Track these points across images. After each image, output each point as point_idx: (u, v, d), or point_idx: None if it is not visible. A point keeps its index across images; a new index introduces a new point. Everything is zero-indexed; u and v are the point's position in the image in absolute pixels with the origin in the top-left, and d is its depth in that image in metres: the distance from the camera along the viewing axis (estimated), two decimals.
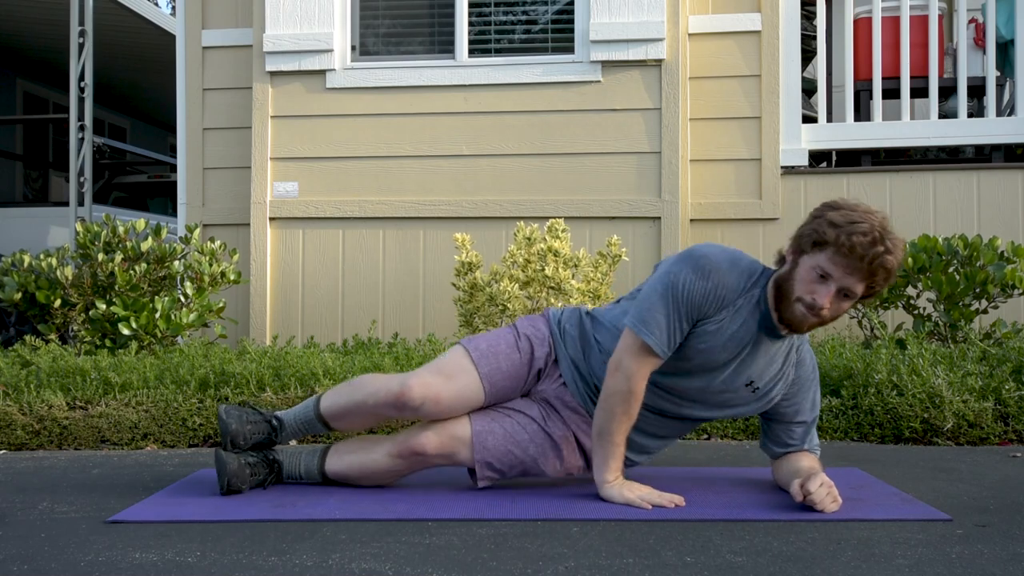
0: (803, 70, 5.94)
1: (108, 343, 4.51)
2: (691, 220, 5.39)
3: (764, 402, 2.59)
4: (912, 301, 4.43)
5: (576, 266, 4.26)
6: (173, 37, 7.17)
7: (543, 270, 4.16)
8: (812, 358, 2.66)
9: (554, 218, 4.44)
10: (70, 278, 4.58)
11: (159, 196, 9.67)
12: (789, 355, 2.57)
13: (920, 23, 5.59)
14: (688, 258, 2.47)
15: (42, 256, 4.75)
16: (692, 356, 2.49)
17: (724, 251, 2.50)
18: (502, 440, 2.60)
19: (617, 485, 2.51)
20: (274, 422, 2.70)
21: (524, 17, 5.61)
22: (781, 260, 2.47)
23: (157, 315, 4.50)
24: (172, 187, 8.48)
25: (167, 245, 4.72)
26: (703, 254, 2.46)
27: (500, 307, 4.12)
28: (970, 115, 5.54)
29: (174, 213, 6.39)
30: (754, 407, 2.60)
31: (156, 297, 4.56)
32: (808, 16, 6.68)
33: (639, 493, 2.48)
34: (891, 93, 5.64)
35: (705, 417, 2.65)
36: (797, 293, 2.37)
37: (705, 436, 3.69)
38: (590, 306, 2.96)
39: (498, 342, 2.66)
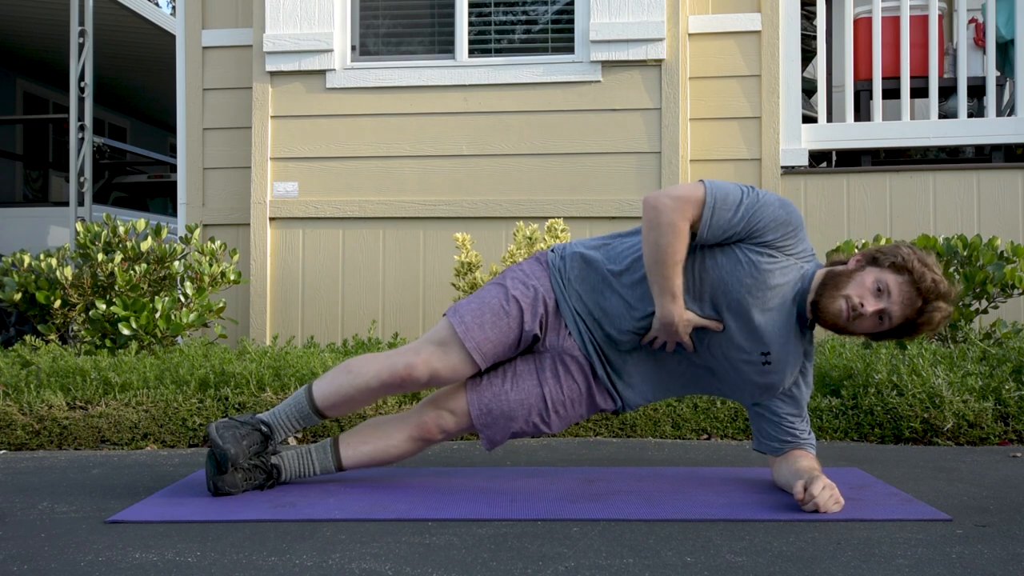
0: (803, 70, 5.94)
1: (108, 343, 4.51)
2: None
3: (764, 386, 2.59)
4: None
5: None
6: (173, 37, 7.19)
7: None
8: (812, 374, 2.71)
9: (554, 218, 4.44)
10: (70, 278, 4.58)
11: (159, 196, 9.67)
12: (800, 357, 2.61)
13: (920, 23, 5.60)
14: (778, 195, 2.57)
15: (42, 256, 4.75)
16: (735, 290, 2.49)
17: (803, 219, 2.60)
18: (504, 418, 2.65)
19: (677, 314, 2.51)
20: (263, 428, 2.67)
21: (524, 17, 5.61)
22: (839, 262, 2.57)
23: (157, 315, 4.50)
24: (172, 187, 8.50)
25: (167, 245, 4.72)
26: (791, 202, 2.57)
27: None
28: (970, 115, 5.55)
29: (174, 213, 6.40)
30: (754, 385, 2.60)
31: (156, 297, 4.56)
32: (808, 16, 6.69)
33: (685, 330, 2.53)
34: (891, 93, 5.64)
35: (709, 377, 2.65)
36: (848, 291, 2.46)
37: (705, 436, 3.69)
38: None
39: (483, 310, 2.64)
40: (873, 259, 2.50)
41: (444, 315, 2.71)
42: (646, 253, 2.52)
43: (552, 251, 2.78)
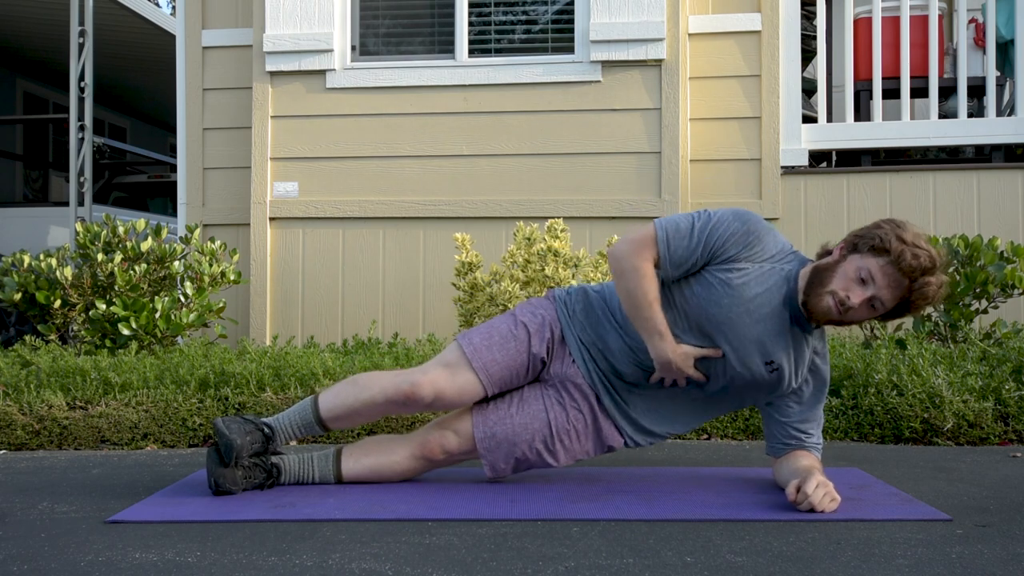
0: (803, 70, 5.94)
1: (108, 343, 4.51)
2: None
3: (777, 389, 2.58)
4: None
5: (576, 266, 4.26)
6: (173, 37, 7.18)
7: (543, 270, 4.16)
8: (827, 371, 2.67)
9: (554, 218, 4.44)
10: (70, 278, 4.58)
11: (159, 196, 9.67)
12: (807, 355, 2.59)
13: (920, 23, 5.60)
14: (731, 209, 2.57)
15: (42, 256, 4.75)
16: (717, 314, 2.48)
17: (766, 222, 2.58)
18: (507, 443, 2.65)
19: (670, 351, 2.51)
20: (266, 430, 2.68)
21: (524, 17, 5.61)
22: (824, 254, 2.54)
23: (157, 315, 4.50)
24: (172, 187, 8.49)
25: (167, 245, 4.72)
26: (747, 211, 2.56)
27: (500, 307, 4.12)
28: (970, 115, 5.55)
29: (174, 213, 6.40)
30: (765, 392, 2.60)
31: (156, 297, 4.56)
32: (808, 16, 6.69)
33: (686, 363, 2.53)
34: (891, 93, 5.64)
35: (722, 396, 2.64)
36: (833, 286, 2.43)
37: (705, 436, 3.69)
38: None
39: (492, 334, 2.67)
40: (854, 246, 2.47)
41: (455, 339, 2.72)
42: (623, 302, 2.54)
43: (559, 288, 2.82)
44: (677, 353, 2.51)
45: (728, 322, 2.49)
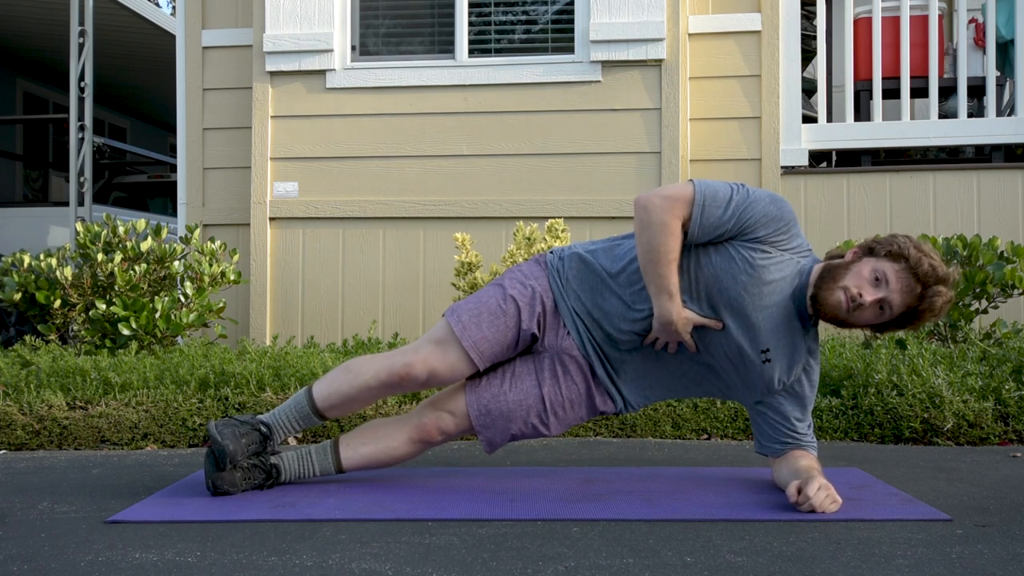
0: (803, 70, 5.94)
1: (108, 343, 4.51)
2: None
3: (766, 382, 2.58)
4: None
5: None
6: (173, 37, 7.19)
7: None
8: (817, 375, 2.68)
9: (554, 218, 4.44)
10: (70, 278, 4.58)
11: (159, 196, 9.67)
12: (803, 354, 2.59)
13: (920, 23, 5.60)
14: (768, 191, 2.57)
15: (42, 256, 4.75)
16: (730, 288, 2.49)
17: (795, 214, 2.61)
18: (503, 419, 2.65)
19: (675, 313, 2.50)
20: (263, 428, 2.68)
21: (524, 17, 5.61)
22: (836, 257, 2.57)
23: (157, 315, 4.50)
24: (172, 187, 8.50)
25: (167, 245, 4.72)
26: (782, 198, 2.56)
27: None
28: (970, 115, 5.55)
29: (174, 213, 6.41)
30: (755, 385, 2.59)
31: (156, 297, 4.56)
32: (808, 16, 6.69)
33: (685, 328, 2.53)
34: (891, 93, 5.64)
35: (710, 375, 2.64)
36: (845, 282, 2.45)
37: (705, 436, 3.69)
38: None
39: (480, 310, 2.65)
40: (870, 250, 2.50)
41: (443, 315, 2.71)
42: (640, 253, 2.52)
43: (551, 252, 2.78)
44: (680, 316, 2.51)
45: (739, 299, 2.49)
